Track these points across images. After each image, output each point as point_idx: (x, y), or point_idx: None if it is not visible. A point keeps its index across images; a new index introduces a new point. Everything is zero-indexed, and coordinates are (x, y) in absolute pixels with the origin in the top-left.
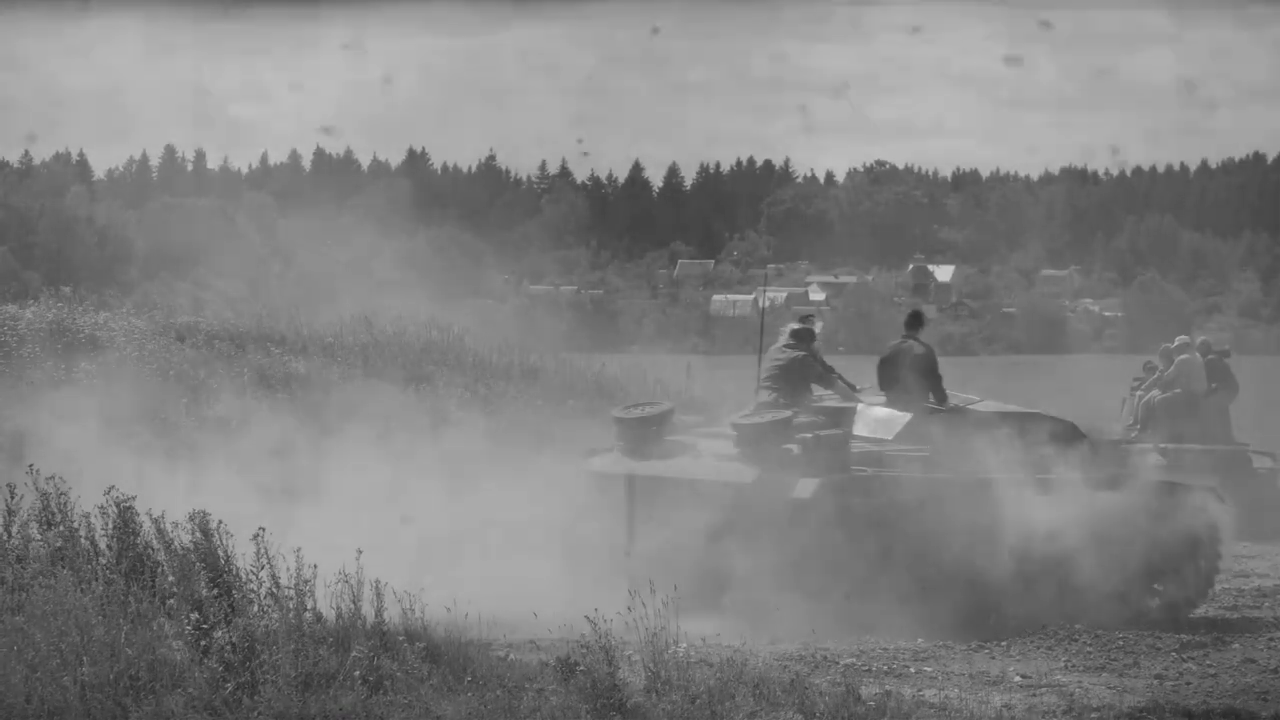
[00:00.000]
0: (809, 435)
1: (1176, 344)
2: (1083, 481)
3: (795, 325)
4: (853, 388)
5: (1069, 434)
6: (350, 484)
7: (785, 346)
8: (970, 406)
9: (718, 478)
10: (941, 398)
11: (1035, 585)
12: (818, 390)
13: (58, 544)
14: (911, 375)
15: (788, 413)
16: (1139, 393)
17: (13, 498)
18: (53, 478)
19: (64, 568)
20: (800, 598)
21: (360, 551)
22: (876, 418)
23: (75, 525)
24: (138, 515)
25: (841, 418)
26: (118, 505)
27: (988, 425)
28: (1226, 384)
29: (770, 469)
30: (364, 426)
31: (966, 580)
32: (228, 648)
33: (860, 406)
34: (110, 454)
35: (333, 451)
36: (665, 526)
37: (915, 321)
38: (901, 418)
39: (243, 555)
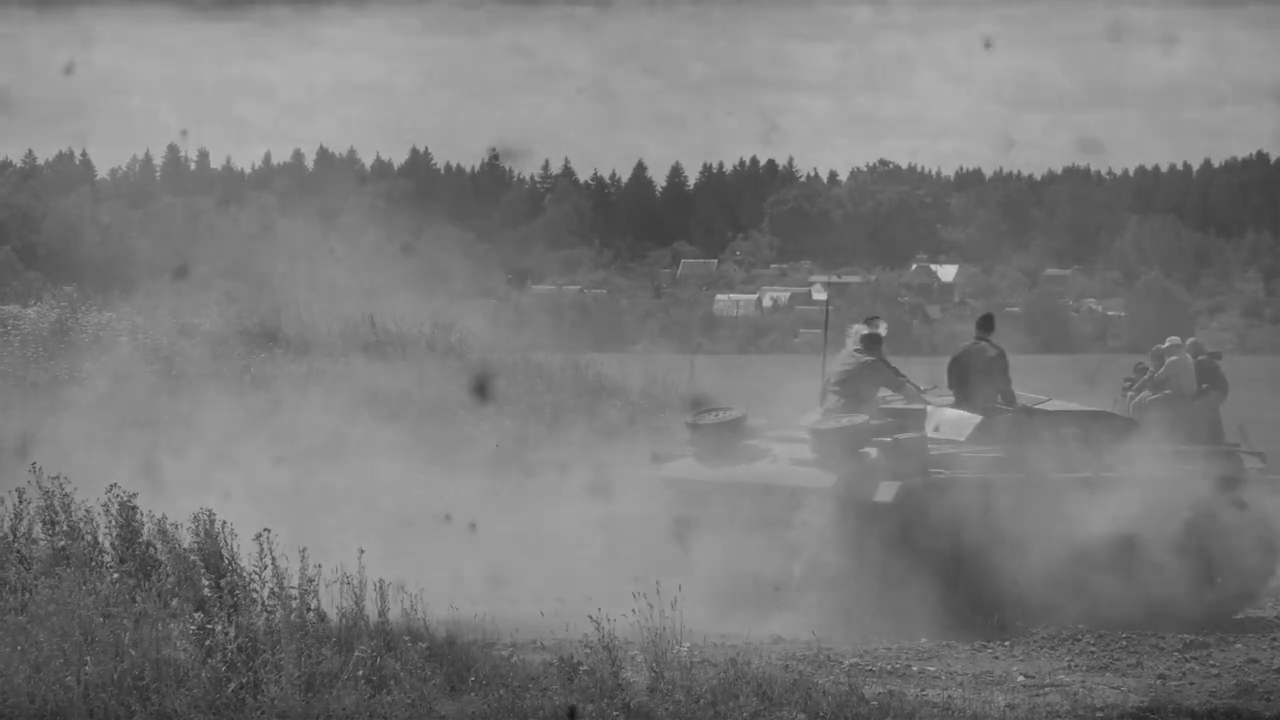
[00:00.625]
0: (888, 439)
1: (1167, 345)
2: (1152, 478)
3: (864, 330)
4: (919, 390)
5: (1130, 431)
6: (395, 487)
7: (855, 351)
8: (1038, 406)
9: (797, 482)
10: (1011, 399)
11: (1109, 582)
12: (883, 392)
13: (61, 543)
14: (984, 376)
15: (864, 417)
16: (1130, 393)
17: (20, 500)
18: (56, 477)
19: (68, 567)
20: (880, 597)
21: (362, 551)
22: (947, 419)
23: (78, 524)
24: (140, 514)
25: (911, 420)
26: (120, 504)
27: (1056, 425)
28: (1217, 385)
29: (849, 473)
30: (399, 424)
31: (1044, 578)
32: (231, 647)
33: (929, 409)
34: (113, 454)
35: (361, 450)
36: (744, 531)
37: (988, 324)
38: (972, 419)
39: (248, 555)
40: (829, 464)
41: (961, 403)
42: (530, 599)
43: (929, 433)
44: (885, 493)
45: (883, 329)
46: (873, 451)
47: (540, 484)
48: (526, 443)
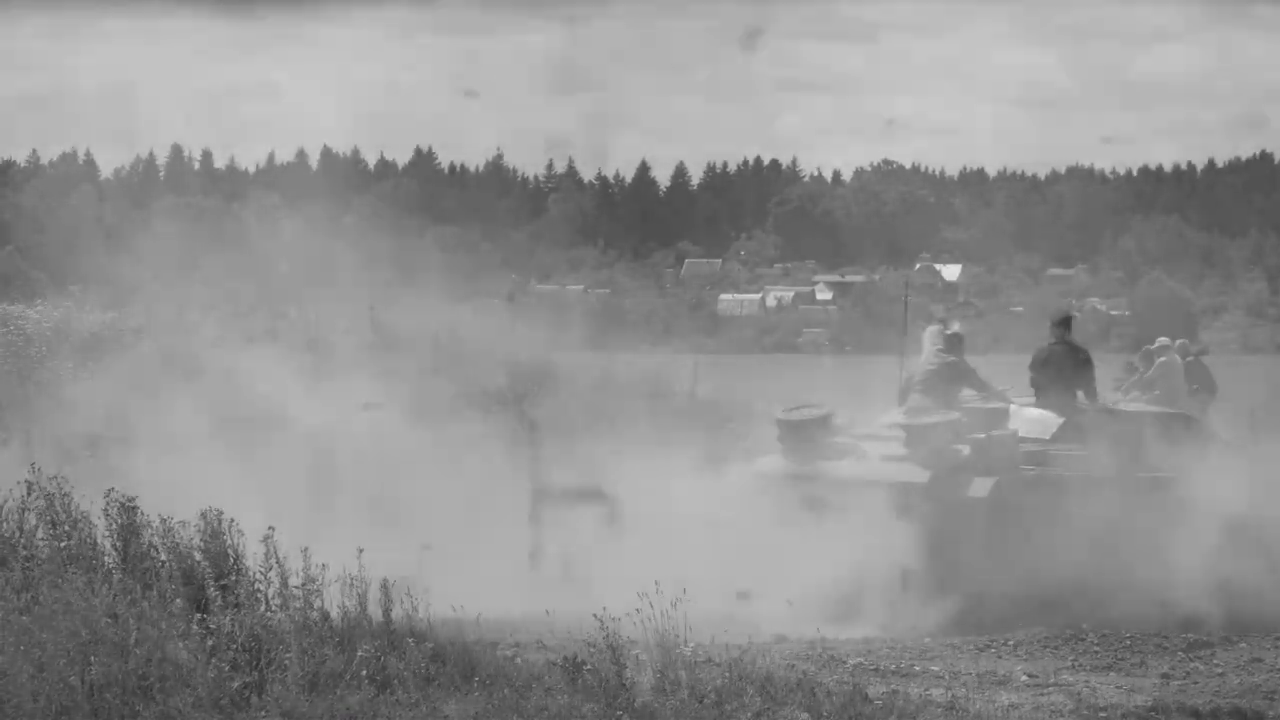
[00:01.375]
0: (982, 435)
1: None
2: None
3: (948, 330)
4: (1000, 389)
5: (1203, 431)
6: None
7: (938, 351)
8: (1118, 406)
9: (891, 478)
10: (1094, 398)
11: (1196, 577)
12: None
13: (63, 544)
14: (1071, 376)
15: (956, 414)
16: (1119, 393)
17: (29, 494)
18: (55, 477)
19: (72, 567)
20: (977, 591)
21: (361, 550)
22: (1030, 418)
23: (79, 525)
24: (142, 514)
25: (995, 419)
26: (121, 505)
27: (1136, 423)
28: (1206, 386)
29: (942, 469)
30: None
31: (1135, 573)
32: (235, 647)
33: (1012, 408)
34: (117, 453)
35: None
36: (836, 527)
37: (1067, 324)
38: (1055, 418)
39: (254, 555)
40: (921, 460)
41: (1043, 402)
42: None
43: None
44: (979, 488)
45: (956, 326)
46: (965, 448)
47: (626, 481)
48: (589, 442)
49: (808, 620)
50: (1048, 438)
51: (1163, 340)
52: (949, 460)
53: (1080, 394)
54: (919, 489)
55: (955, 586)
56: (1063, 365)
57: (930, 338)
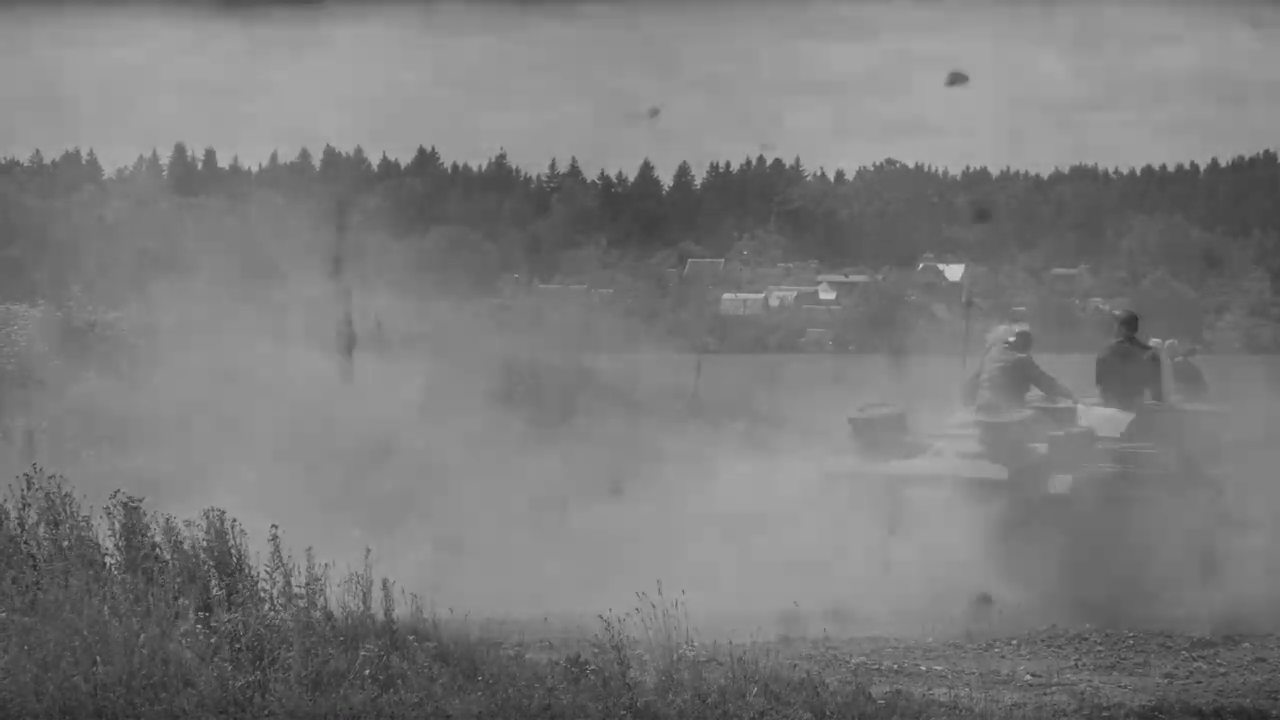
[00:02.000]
0: (1059, 433)
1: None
2: None
3: (1016, 328)
4: (1068, 388)
5: (1256, 429)
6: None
7: (1006, 349)
8: (1181, 406)
9: (970, 474)
10: (1162, 396)
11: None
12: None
13: (65, 543)
14: (1138, 374)
15: (1030, 412)
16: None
17: (29, 488)
18: (53, 476)
19: (74, 566)
20: (1059, 587)
21: (369, 550)
22: (1100, 416)
23: (81, 525)
24: (145, 514)
25: (1064, 417)
26: (125, 505)
27: (1201, 422)
28: (1195, 385)
29: (1020, 466)
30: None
31: (1216, 567)
32: (238, 646)
33: (1079, 406)
34: (120, 453)
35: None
36: (914, 524)
37: (1134, 324)
38: (1124, 416)
39: (256, 554)
40: (998, 458)
41: (1111, 400)
42: (722, 596)
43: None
44: (1060, 485)
45: (1028, 327)
46: (1042, 446)
47: (692, 481)
48: (643, 440)
49: (904, 620)
50: (1118, 435)
51: (1154, 341)
52: (1027, 458)
53: (1147, 392)
54: (998, 486)
55: (1033, 584)
56: (1130, 364)
57: (998, 336)
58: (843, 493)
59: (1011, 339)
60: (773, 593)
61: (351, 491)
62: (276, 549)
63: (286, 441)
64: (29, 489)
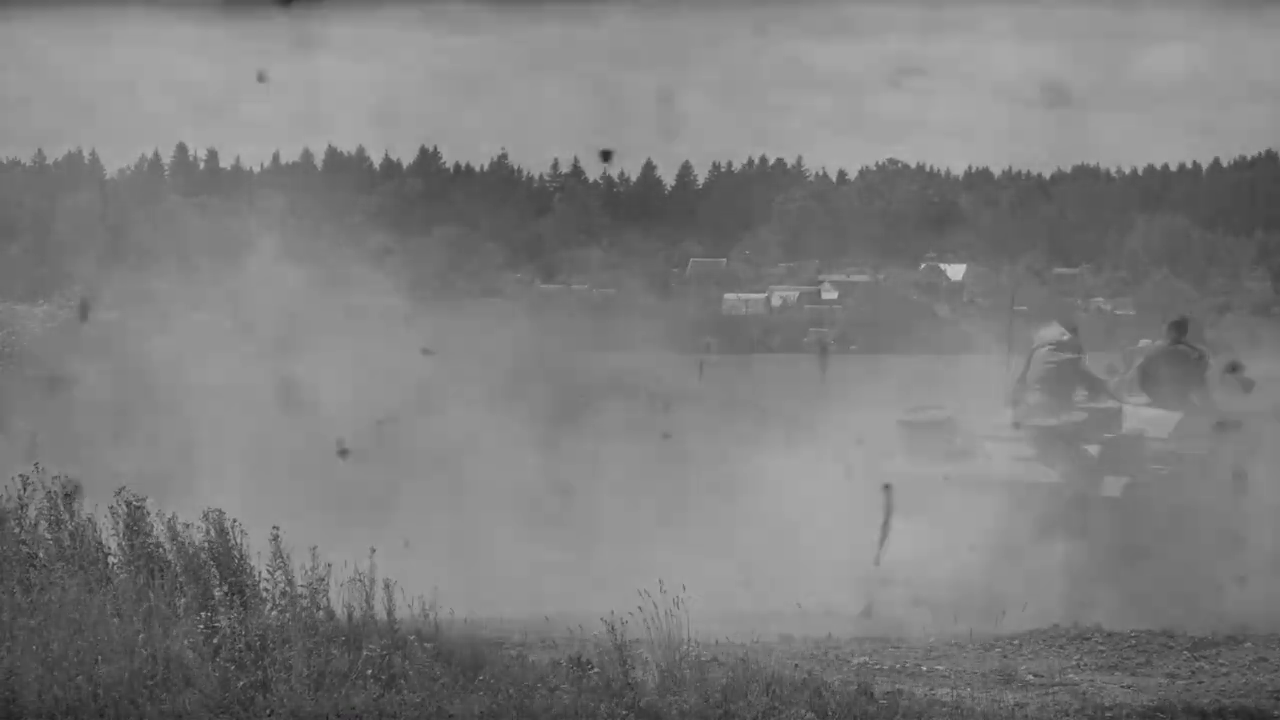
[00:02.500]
0: (1111, 435)
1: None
2: None
3: (1066, 330)
4: (1114, 391)
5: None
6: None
7: (1056, 349)
8: (1223, 407)
9: (1023, 477)
10: (1208, 398)
11: None
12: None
13: (67, 543)
14: (1186, 377)
15: (1082, 415)
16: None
17: (24, 489)
18: (57, 477)
19: (76, 567)
20: (1110, 589)
21: (373, 550)
22: (1146, 418)
23: (83, 525)
24: (148, 515)
25: (1111, 419)
26: (128, 505)
27: (1245, 423)
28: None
29: (1072, 469)
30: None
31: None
32: (240, 646)
33: (1126, 408)
34: (123, 453)
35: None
36: (967, 526)
37: (1183, 327)
38: (1171, 417)
39: (258, 554)
40: (1050, 460)
41: (1158, 402)
42: (780, 597)
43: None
44: (1112, 487)
45: (1078, 328)
46: (1093, 448)
47: (739, 482)
48: (690, 441)
49: (972, 620)
50: (1164, 436)
51: (1145, 341)
52: (1079, 460)
53: (1194, 395)
54: (1051, 489)
55: (1090, 586)
56: (1178, 366)
57: (1046, 337)
58: (899, 496)
59: (1063, 339)
60: (856, 597)
61: (389, 492)
62: (278, 548)
63: (291, 441)
64: (25, 490)
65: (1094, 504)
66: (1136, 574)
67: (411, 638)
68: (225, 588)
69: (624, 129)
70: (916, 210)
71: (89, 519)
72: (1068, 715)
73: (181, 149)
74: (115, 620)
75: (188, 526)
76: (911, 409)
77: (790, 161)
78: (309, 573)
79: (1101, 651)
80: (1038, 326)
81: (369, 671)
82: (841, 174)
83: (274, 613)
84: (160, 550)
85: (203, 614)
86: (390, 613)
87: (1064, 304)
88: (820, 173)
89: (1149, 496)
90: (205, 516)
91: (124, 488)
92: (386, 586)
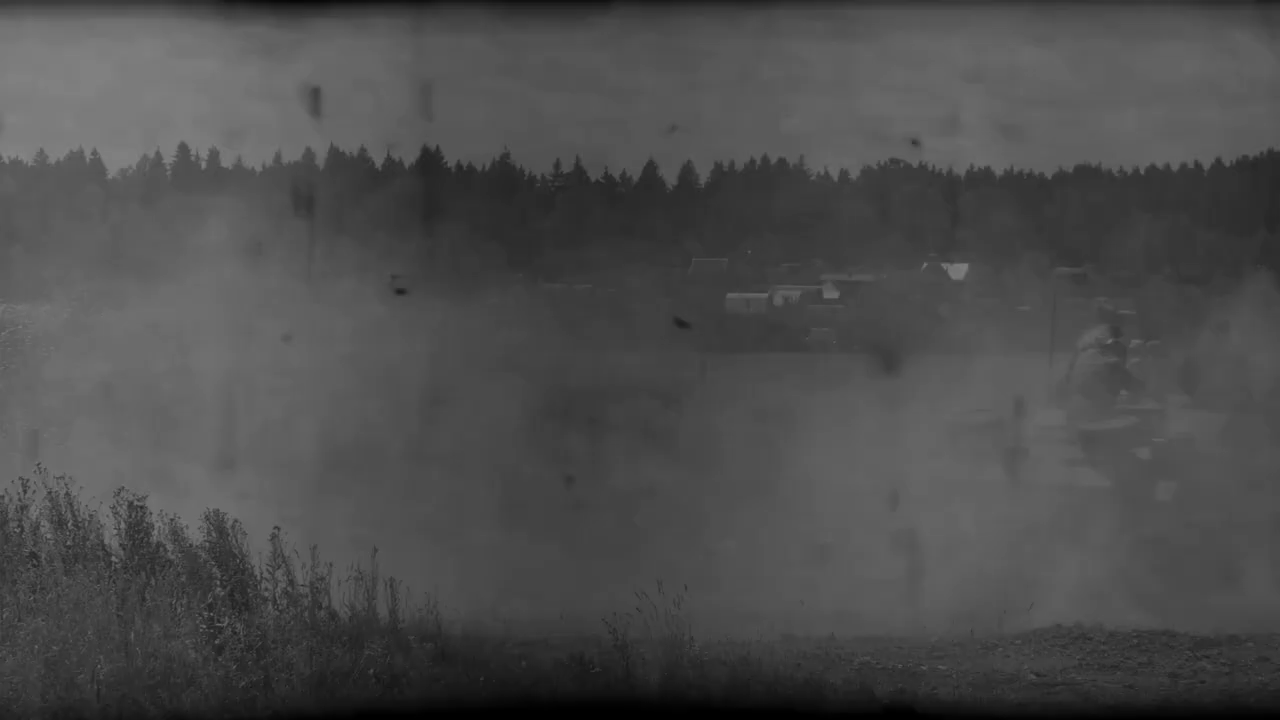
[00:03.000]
0: (1161, 440)
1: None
2: None
3: (1112, 333)
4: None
5: None
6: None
7: (1101, 352)
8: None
9: (1076, 482)
10: (1250, 398)
11: None
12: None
13: (68, 543)
14: (1230, 378)
15: (1133, 419)
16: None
17: (24, 491)
18: (61, 477)
19: (78, 566)
20: (1167, 591)
21: (376, 549)
22: (1192, 420)
23: (85, 525)
24: (149, 515)
25: (1154, 421)
26: (129, 505)
27: None
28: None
29: (1123, 473)
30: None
31: None
32: (241, 646)
33: (1169, 410)
34: (125, 453)
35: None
36: (1018, 528)
37: (1222, 328)
38: (1216, 418)
39: (259, 554)
40: (1100, 464)
41: (1200, 403)
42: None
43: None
44: (1165, 491)
45: (1120, 332)
46: (1144, 452)
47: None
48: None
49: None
50: (1213, 439)
51: (1134, 342)
52: (1130, 464)
53: (1237, 396)
54: (1104, 494)
55: (1146, 590)
56: (1219, 367)
57: (1092, 339)
58: (957, 499)
59: (1106, 342)
60: (940, 607)
61: (419, 493)
62: (278, 548)
63: (297, 440)
64: (25, 492)
65: (1139, 509)
66: (1193, 576)
67: (411, 638)
68: (227, 587)
69: (626, 128)
70: (918, 210)
71: (91, 517)
72: (1070, 715)
73: (183, 149)
74: (117, 620)
75: (186, 527)
76: (961, 411)
77: (792, 161)
78: (310, 571)
79: (1104, 651)
80: (1082, 330)
81: (371, 671)
82: (844, 174)
83: (276, 612)
84: (162, 551)
85: (205, 613)
86: (393, 612)
87: (1108, 308)
88: (823, 172)
89: (1202, 500)
90: (206, 517)
91: (122, 489)
92: (390, 585)
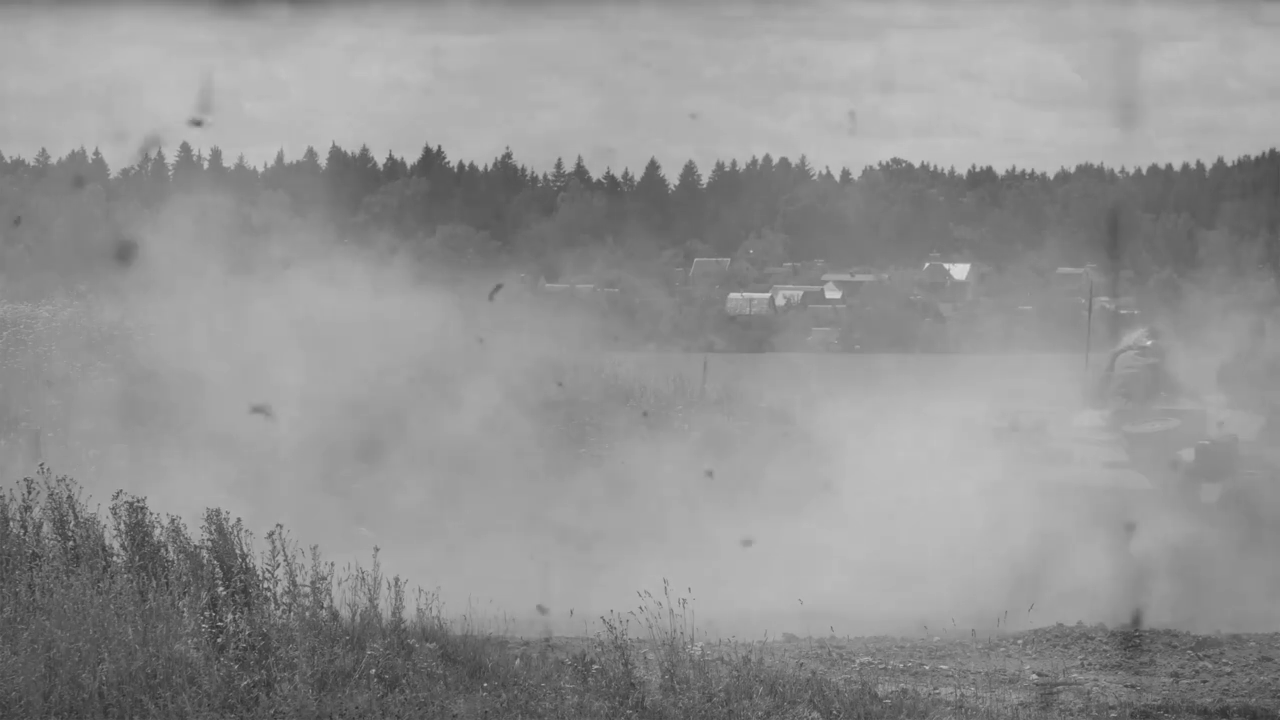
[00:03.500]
0: (1205, 442)
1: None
2: None
3: (1151, 335)
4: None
5: None
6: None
7: (1137, 355)
8: None
9: (1119, 484)
10: None
11: None
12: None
13: (71, 543)
14: (1267, 378)
15: (1177, 421)
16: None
17: (29, 492)
18: (63, 479)
19: (80, 566)
20: (1211, 593)
21: (377, 549)
22: (1228, 419)
23: (86, 525)
24: (150, 514)
25: (1195, 422)
26: (129, 506)
27: None
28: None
29: (1166, 475)
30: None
31: None
32: (243, 645)
33: (1208, 411)
34: (127, 452)
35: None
36: (1058, 530)
37: (1259, 329)
38: (1254, 419)
39: (261, 554)
40: (1144, 466)
41: (1239, 403)
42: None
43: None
44: (1209, 493)
45: (1159, 334)
46: (1188, 453)
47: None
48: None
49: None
50: (1253, 439)
51: (1126, 340)
52: (1171, 466)
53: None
54: (1147, 496)
55: (1190, 591)
56: (1257, 366)
57: (1132, 341)
58: (1001, 501)
59: (1146, 344)
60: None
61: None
62: (279, 547)
63: (298, 440)
64: (30, 493)
65: (1183, 511)
66: (1242, 578)
67: (416, 639)
68: (228, 586)
69: (628, 128)
70: (920, 210)
71: (92, 516)
72: (1071, 714)
73: (185, 149)
74: (118, 620)
75: (188, 525)
76: (1003, 412)
77: (794, 161)
78: (311, 570)
79: (1105, 651)
80: (1123, 331)
81: (373, 671)
82: (845, 173)
83: (277, 612)
84: (163, 551)
85: (206, 613)
86: (396, 612)
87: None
88: (824, 172)
89: (1243, 501)
90: (207, 517)
91: (121, 491)
92: (394, 585)
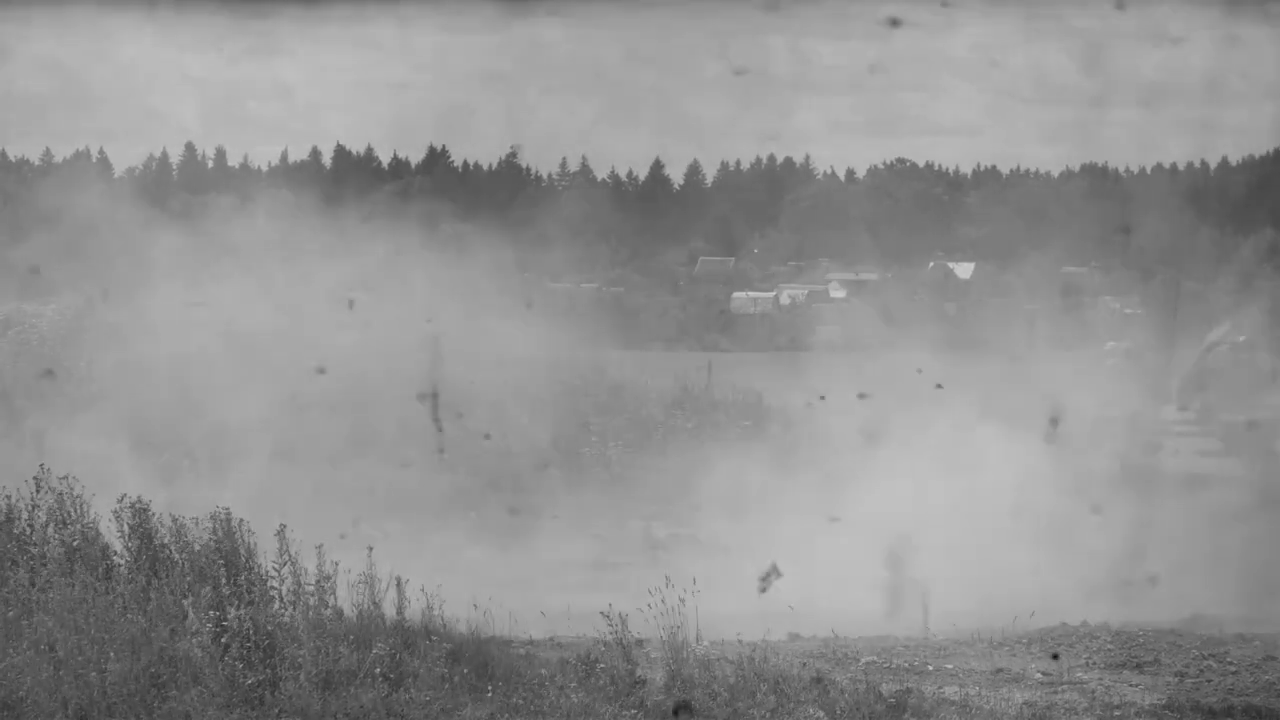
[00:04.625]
0: None
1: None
2: None
3: (1236, 330)
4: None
5: None
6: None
7: (1233, 348)
8: None
9: (1218, 474)
10: None
11: None
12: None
13: (74, 543)
14: None
15: (1272, 411)
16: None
17: (38, 490)
18: (65, 478)
19: (83, 567)
20: None
21: (371, 549)
22: None
23: (89, 526)
24: (154, 515)
25: None
26: (133, 507)
27: None
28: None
29: (1261, 465)
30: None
31: None
32: (248, 644)
33: None
34: (129, 453)
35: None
36: (1154, 520)
37: None
38: None
39: (265, 553)
40: (1239, 455)
41: None
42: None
43: None
44: None
45: (1237, 329)
46: None
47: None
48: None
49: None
50: None
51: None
52: (1265, 456)
53: None
54: (1246, 485)
55: None
56: None
57: (1222, 336)
58: (1088, 489)
59: (1238, 339)
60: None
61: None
62: (284, 546)
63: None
64: (37, 491)
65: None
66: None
67: (420, 638)
68: (233, 585)
69: (631, 128)
70: (924, 209)
71: (95, 516)
72: (1076, 714)
73: (189, 148)
74: (123, 619)
75: (196, 522)
76: (1100, 405)
77: (799, 160)
78: (316, 571)
79: (1110, 650)
80: (1210, 326)
81: (378, 670)
82: (850, 172)
83: (282, 611)
84: (166, 551)
85: (211, 612)
86: (400, 611)
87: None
88: (829, 171)
89: None
90: (212, 516)
91: (124, 495)
92: (398, 585)
